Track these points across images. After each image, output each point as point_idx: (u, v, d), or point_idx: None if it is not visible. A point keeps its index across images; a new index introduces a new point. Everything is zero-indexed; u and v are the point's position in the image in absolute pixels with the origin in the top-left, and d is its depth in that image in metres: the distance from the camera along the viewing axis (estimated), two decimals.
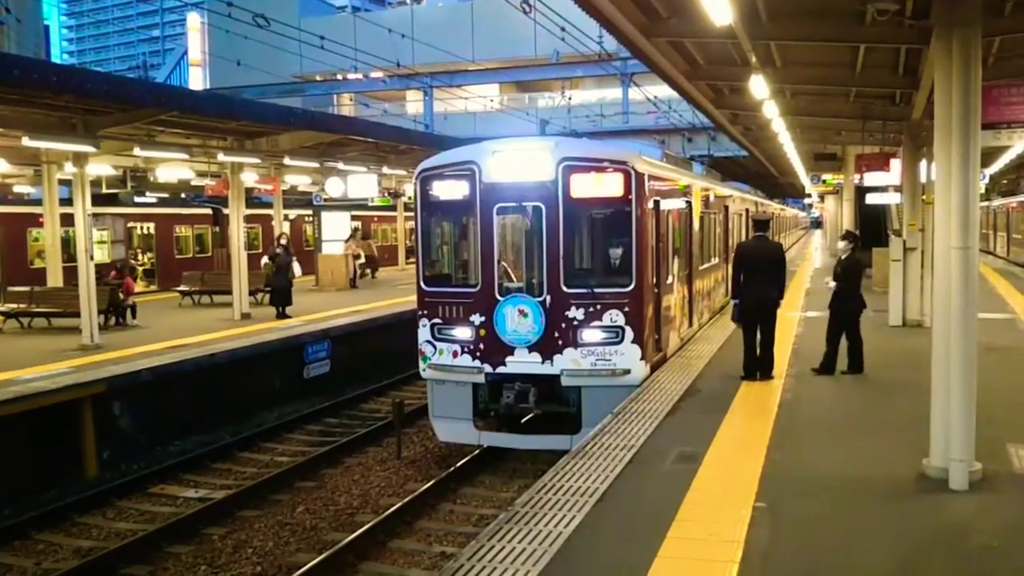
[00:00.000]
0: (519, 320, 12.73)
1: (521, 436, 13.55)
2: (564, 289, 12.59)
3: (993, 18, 10.16)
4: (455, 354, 13.16)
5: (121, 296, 21.82)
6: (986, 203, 47.32)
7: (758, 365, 12.83)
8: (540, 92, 61.11)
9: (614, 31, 12.30)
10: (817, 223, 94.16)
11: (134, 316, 22.07)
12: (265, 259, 25.97)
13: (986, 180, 38.07)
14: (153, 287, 31.29)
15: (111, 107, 16.97)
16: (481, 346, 13.00)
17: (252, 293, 24.87)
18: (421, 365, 13.53)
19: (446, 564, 6.31)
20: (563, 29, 23.87)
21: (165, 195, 35.43)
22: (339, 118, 45.82)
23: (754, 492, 7.85)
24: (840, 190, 34.95)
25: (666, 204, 14.31)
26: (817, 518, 7.34)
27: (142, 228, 32.55)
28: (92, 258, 18.48)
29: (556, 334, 12.62)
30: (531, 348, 12.73)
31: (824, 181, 37.98)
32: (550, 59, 53.25)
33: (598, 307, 12.53)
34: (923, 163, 17.97)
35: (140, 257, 32.71)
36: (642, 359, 12.57)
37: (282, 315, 22.54)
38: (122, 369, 15.50)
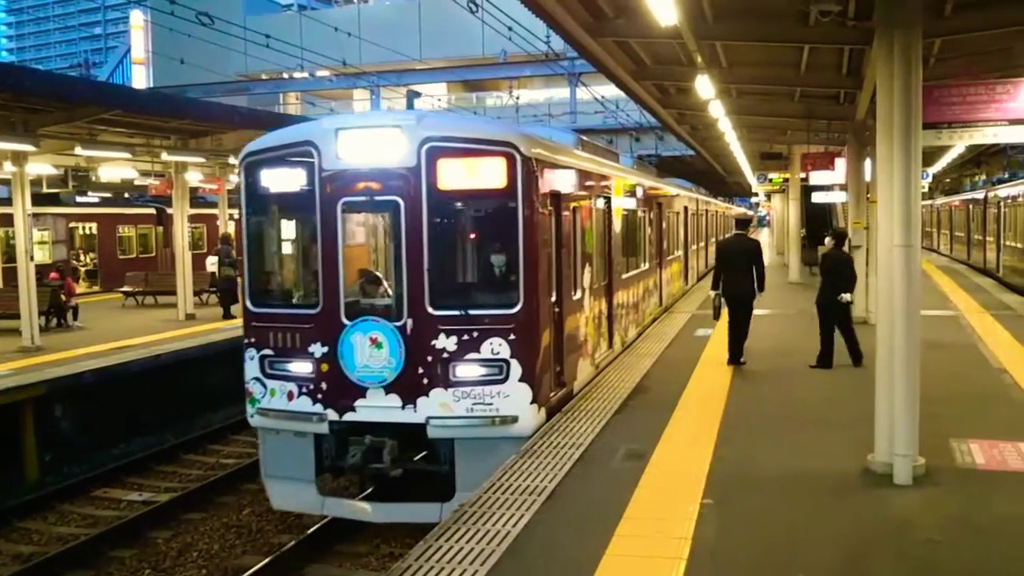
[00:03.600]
0: (371, 352, 9.79)
1: (378, 505, 10.50)
2: (430, 311, 9.74)
3: (934, 19, 10.34)
4: (291, 396, 10.20)
5: (63, 297, 21.45)
6: (929, 202, 48.23)
7: (733, 354, 13.77)
8: (488, 92, 61.14)
9: (560, 31, 12.32)
10: (762, 222, 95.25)
11: (76, 317, 21.72)
12: (213, 259, 25.63)
13: (929, 179, 38.76)
14: (96, 288, 30.82)
15: (51, 105, 16.66)
16: (323, 386, 10.03)
17: (197, 293, 24.59)
18: (248, 410, 10.55)
19: (393, 565, 6.26)
20: (510, 29, 23.87)
21: (108, 195, 34.88)
22: (286, 117, 45.38)
23: (701, 488, 7.89)
24: (786, 189, 35.30)
25: (573, 200, 11.74)
26: (764, 513, 7.39)
27: (84, 228, 32.02)
28: (32, 259, 18.09)
29: (420, 370, 9.72)
30: (388, 388, 9.80)
31: (770, 180, 38.35)
32: (498, 58, 53.33)
33: (475, 334, 9.70)
34: (867, 162, 18.23)
35: (82, 257, 32.18)
36: (534, 402, 9.79)
37: (229, 315, 22.29)
38: (64, 371, 15.22)
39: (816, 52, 13.63)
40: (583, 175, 12.45)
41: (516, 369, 9.66)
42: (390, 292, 10.37)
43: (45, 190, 28.23)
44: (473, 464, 9.56)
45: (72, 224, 31.13)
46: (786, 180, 33.80)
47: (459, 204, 10.25)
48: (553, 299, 10.70)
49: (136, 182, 29.18)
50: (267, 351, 10.35)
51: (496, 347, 9.67)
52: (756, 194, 62.64)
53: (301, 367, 10.16)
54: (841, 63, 14.43)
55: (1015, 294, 23.64)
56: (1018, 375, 12.48)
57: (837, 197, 23.30)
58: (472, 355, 9.71)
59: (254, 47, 31.93)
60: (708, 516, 7.20)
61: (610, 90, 26.65)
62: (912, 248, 7.99)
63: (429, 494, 10.05)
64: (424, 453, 10.21)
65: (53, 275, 22.62)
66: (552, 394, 10.61)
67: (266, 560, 10.17)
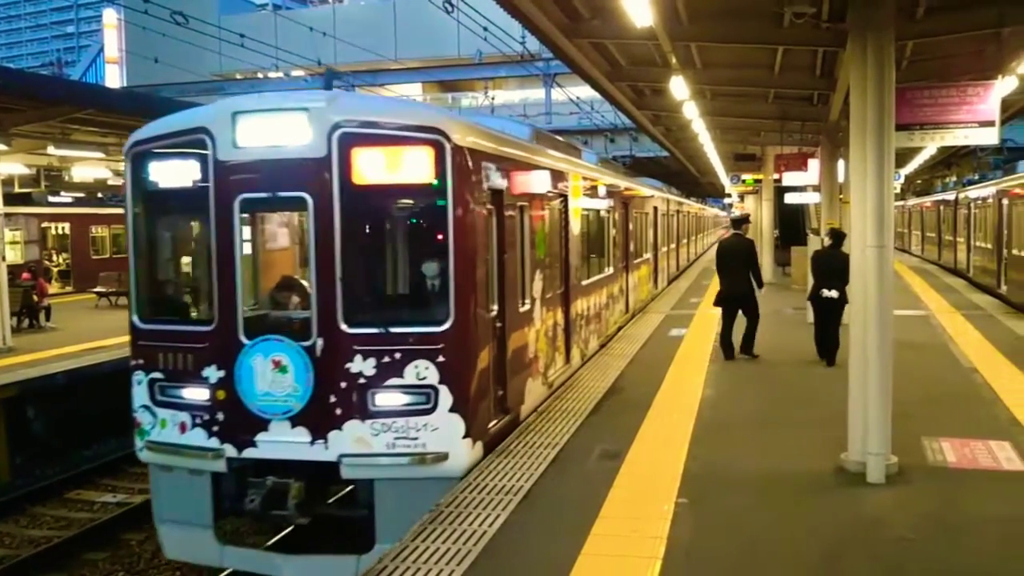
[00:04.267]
0: (274, 377, 8.38)
1: (287, 558, 8.87)
2: (343, 328, 8.31)
3: (906, 22, 10.45)
4: (183, 427, 8.76)
5: (35, 298, 21.28)
6: (901, 203, 48.64)
7: (742, 346, 14.34)
8: (463, 92, 61.10)
9: (536, 32, 12.34)
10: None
11: (48, 318, 21.54)
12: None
13: (901, 180, 39.11)
14: (69, 288, 30.56)
15: (23, 104, 16.52)
16: (220, 416, 8.60)
17: None
18: (136, 443, 9.14)
19: (369, 566, 6.26)
20: (486, 29, 23.87)
21: (81, 194, 34.61)
22: None
23: (676, 488, 7.92)
24: (759, 190, 35.50)
25: (521, 198, 10.40)
26: (738, 512, 7.42)
27: (57, 228, 31.76)
28: (4, 259, 17.93)
29: (332, 399, 8.32)
30: (294, 420, 8.37)
31: (744, 181, 38.57)
32: (473, 59, 53.30)
33: (397, 356, 8.26)
34: (840, 163, 18.37)
35: (55, 258, 31.91)
36: (467, 436, 8.40)
37: None
38: (35, 372, 15.09)
39: (790, 54, 13.74)
40: (534, 170, 11.10)
41: (446, 397, 8.24)
42: (290, 305, 9.19)
43: (17, 190, 27.98)
44: (396, 509, 8.15)
45: (45, 224, 30.88)
46: (759, 181, 34.00)
47: (378, 202, 8.82)
48: (494, 312, 9.37)
49: (110, 182, 28.94)
50: (156, 374, 8.90)
51: (422, 371, 8.24)
52: (729, 195, 62.99)
53: (194, 394, 8.71)
54: (815, 65, 14.55)
55: (984, 294, 23.89)
56: (988, 374, 12.62)
57: (810, 198, 23.45)
58: (394, 381, 8.27)
59: (229, 47, 31.72)
60: (683, 515, 7.23)
61: (585, 91, 26.70)
62: (885, 248, 8.07)
63: (347, 544, 8.60)
64: (340, 495, 9.16)
65: (25, 275, 22.43)
66: (492, 424, 9.24)
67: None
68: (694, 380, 12.64)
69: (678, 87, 14.35)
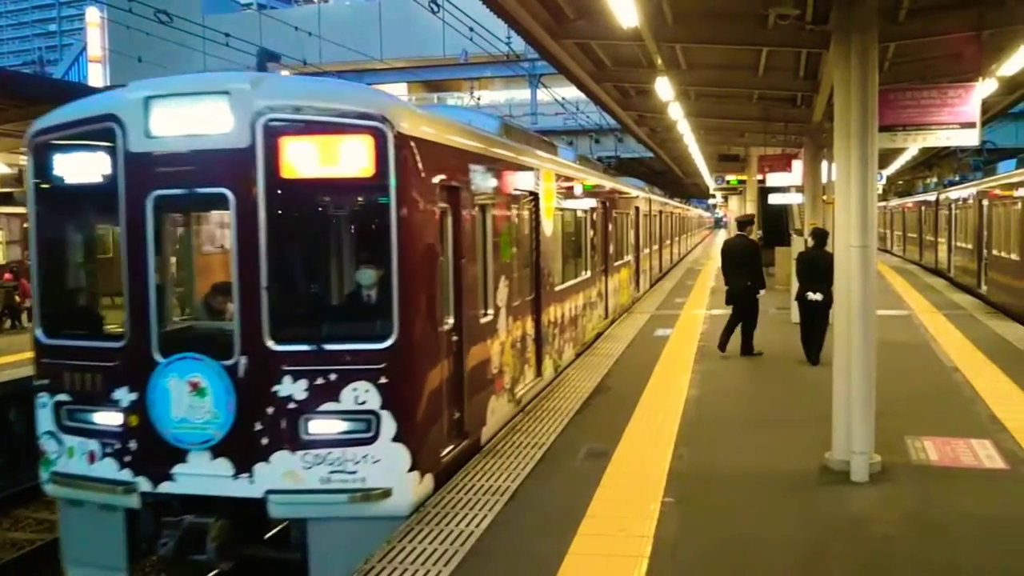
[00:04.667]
0: (192, 401, 7.36)
1: None
2: (270, 346, 7.30)
3: (888, 24, 10.52)
4: (92, 457, 7.75)
5: (17, 299, 21.17)
6: (883, 203, 48.92)
7: (741, 347, 14.53)
8: (449, 92, 61.09)
9: (522, 32, 12.37)
10: (720, 223, 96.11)
11: (31, 319, 21.41)
12: None
13: (883, 181, 39.32)
14: None
15: (4, 103, 16.46)
16: (133, 445, 7.57)
17: None
18: (41, 474, 8.18)
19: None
20: (471, 29, 23.89)
21: None
22: None
23: (662, 487, 7.96)
24: (743, 191, 35.64)
25: (482, 196, 9.42)
26: (724, 511, 7.46)
27: None
28: None
29: (257, 426, 7.29)
30: (215, 451, 7.35)
31: (727, 182, 38.74)
32: (458, 59, 53.32)
33: (332, 377, 7.26)
34: (823, 164, 18.47)
35: None
36: (414, 468, 7.38)
37: None
38: (18, 373, 15.00)
39: (774, 55, 13.82)
40: (499, 166, 10.22)
41: (389, 424, 7.24)
42: (223, 313, 7.95)
43: None
44: (331, 553, 7.25)
45: (27, 224, 30.59)
46: (743, 182, 34.15)
47: (311, 199, 7.70)
48: (449, 324, 8.37)
49: None
50: (63, 397, 7.93)
51: (361, 395, 7.25)
52: (713, 195, 63.24)
53: (104, 419, 7.69)
54: (798, 66, 14.64)
55: (965, 294, 24.08)
56: (969, 373, 12.72)
57: (793, 199, 23.57)
58: (328, 406, 7.26)
59: (213, 46, 31.61)
60: (669, 514, 7.26)
61: (571, 92, 26.78)
62: (868, 248, 8.14)
63: None
64: (269, 535, 8.09)
65: (7, 276, 22.31)
66: (445, 452, 8.22)
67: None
68: (680, 380, 12.69)
69: (663, 88, 14.41)
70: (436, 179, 7.94)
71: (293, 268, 7.80)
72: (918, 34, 11.61)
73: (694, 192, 72.48)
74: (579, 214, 15.79)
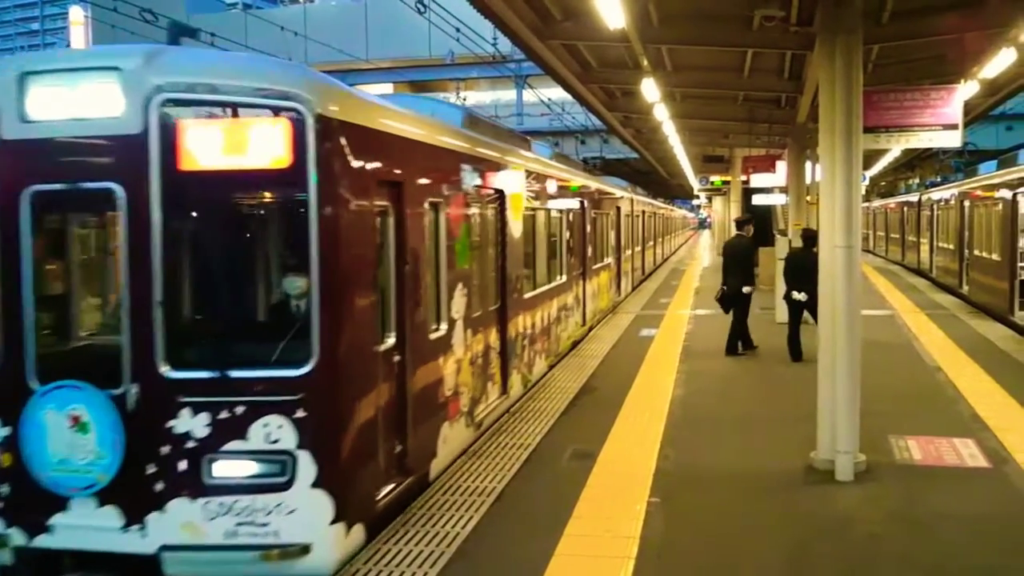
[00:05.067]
0: (72, 438, 6.17)
1: None
2: (165, 372, 6.12)
3: (872, 26, 10.59)
4: None
5: None
6: (865, 204, 49.17)
7: (736, 342, 14.74)
8: (435, 92, 60.98)
9: (508, 33, 12.38)
10: (704, 224, 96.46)
11: None
12: None
13: (866, 182, 39.54)
14: None
15: None
16: (4, 489, 6.35)
17: None
18: None
19: (341, 568, 6.25)
20: (458, 30, 23.88)
21: None
22: None
23: (648, 487, 7.97)
24: (727, 191, 35.79)
25: (431, 193, 8.17)
26: (709, 511, 7.49)
27: None
28: None
29: (151, 469, 6.12)
30: (101, 497, 6.17)
31: (712, 183, 38.87)
32: (445, 60, 53.21)
33: (239, 411, 6.09)
34: (807, 164, 18.56)
35: None
36: (339, 519, 6.24)
37: None
38: None
39: (759, 56, 13.89)
40: (456, 159, 9.10)
41: (307, 467, 6.08)
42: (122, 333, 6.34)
43: None
44: None
45: None
46: (727, 183, 34.27)
47: (215, 195, 6.46)
48: (389, 343, 7.23)
49: None
50: None
51: (274, 431, 6.08)
52: (698, 196, 63.45)
53: None
54: (783, 68, 14.72)
55: (947, 294, 24.23)
56: (952, 373, 12.80)
57: (777, 199, 23.67)
58: (235, 444, 6.09)
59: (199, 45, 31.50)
60: (655, 515, 7.28)
61: (556, 93, 26.82)
62: (852, 249, 8.18)
63: None
64: None
65: None
66: (382, 495, 7.00)
67: None
68: (665, 380, 12.71)
69: (649, 89, 14.45)
70: (372, 173, 6.85)
71: (193, 278, 6.62)
72: (901, 36, 11.70)
73: (679, 193, 72.63)
74: (554, 214, 14.73)
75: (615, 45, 13.13)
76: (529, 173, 12.42)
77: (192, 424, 6.09)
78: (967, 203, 22.68)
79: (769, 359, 14.17)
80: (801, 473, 8.41)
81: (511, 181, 11.21)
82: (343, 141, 6.34)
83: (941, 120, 9.28)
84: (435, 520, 7.19)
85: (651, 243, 35.90)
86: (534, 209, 12.85)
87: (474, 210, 9.75)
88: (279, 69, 6.59)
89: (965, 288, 22.82)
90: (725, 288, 14.78)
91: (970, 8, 10.83)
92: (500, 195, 10.76)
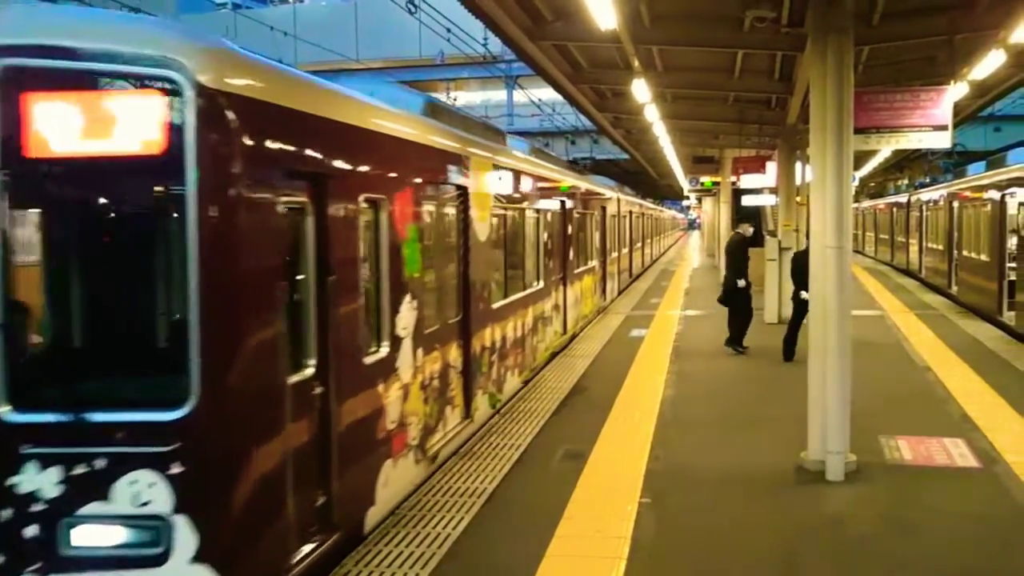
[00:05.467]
0: None
1: None
2: (5, 414, 4.86)
3: (863, 27, 10.61)
4: None
5: None
6: (855, 205, 49.28)
7: (727, 340, 15.02)
8: (425, 92, 60.98)
9: (499, 33, 12.36)
10: (693, 224, 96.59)
11: None
12: None
13: (856, 183, 39.58)
14: None
15: None
16: None
17: None
18: None
19: (332, 570, 6.22)
20: (449, 30, 23.84)
21: None
22: None
23: (639, 488, 7.97)
24: (717, 192, 35.78)
25: (368, 188, 6.87)
26: (700, 511, 7.49)
27: None
28: None
29: None
30: None
31: (702, 183, 38.88)
32: (435, 60, 53.18)
33: (100, 464, 4.82)
34: (797, 165, 18.59)
35: None
36: None
37: None
38: None
39: (750, 57, 13.91)
40: (403, 149, 7.80)
41: (186, 536, 4.82)
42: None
43: None
44: None
45: None
46: (717, 183, 34.29)
47: (71, 189, 5.17)
48: (307, 372, 5.88)
49: None
50: None
51: (144, 490, 4.82)
52: (688, 197, 63.47)
53: None
54: (773, 69, 14.74)
55: (936, 294, 24.31)
56: (941, 372, 12.85)
57: (767, 200, 23.69)
58: (95, 507, 4.83)
59: None
60: (646, 515, 7.28)
61: (547, 93, 26.77)
62: (843, 249, 8.19)
63: None
64: None
65: None
66: (297, 560, 5.65)
67: None
68: (655, 380, 12.72)
69: (640, 90, 14.45)
70: (279, 161, 5.48)
71: (43, 296, 5.41)
72: (892, 37, 11.73)
73: (668, 193, 72.64)
74: (530, 215, 13.45)
75: (606, 46, 13.13)
76: (500, 168, 11.16)
77: (40, 481, 4.81)
78: (956, 204, 22.75)
79: (760, 359, 14.19)
80: (792, 473, 8.41)
81: (477, 177, 9.92)
82: (236, 120, 4.94)
83: (931, 121, 9.30)
84: (426, 521, 7.17)
85: (639, 244, 35.66)
86: (505, 208, 11.66)
87: (428, 209, 8.40)
88: (151, 28, 5.23)
89: (954, 288, 22.89)
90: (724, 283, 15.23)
91: (960, 10, 10.87)
92: (463, 192, 9.49)
